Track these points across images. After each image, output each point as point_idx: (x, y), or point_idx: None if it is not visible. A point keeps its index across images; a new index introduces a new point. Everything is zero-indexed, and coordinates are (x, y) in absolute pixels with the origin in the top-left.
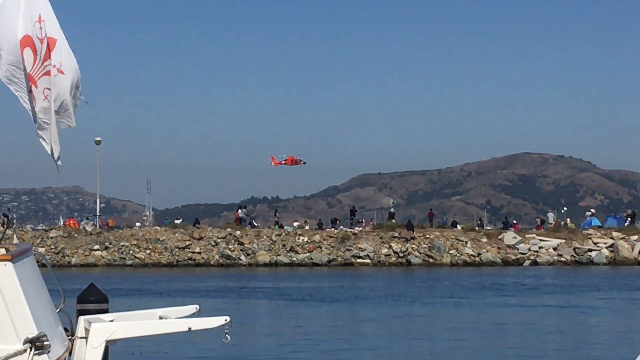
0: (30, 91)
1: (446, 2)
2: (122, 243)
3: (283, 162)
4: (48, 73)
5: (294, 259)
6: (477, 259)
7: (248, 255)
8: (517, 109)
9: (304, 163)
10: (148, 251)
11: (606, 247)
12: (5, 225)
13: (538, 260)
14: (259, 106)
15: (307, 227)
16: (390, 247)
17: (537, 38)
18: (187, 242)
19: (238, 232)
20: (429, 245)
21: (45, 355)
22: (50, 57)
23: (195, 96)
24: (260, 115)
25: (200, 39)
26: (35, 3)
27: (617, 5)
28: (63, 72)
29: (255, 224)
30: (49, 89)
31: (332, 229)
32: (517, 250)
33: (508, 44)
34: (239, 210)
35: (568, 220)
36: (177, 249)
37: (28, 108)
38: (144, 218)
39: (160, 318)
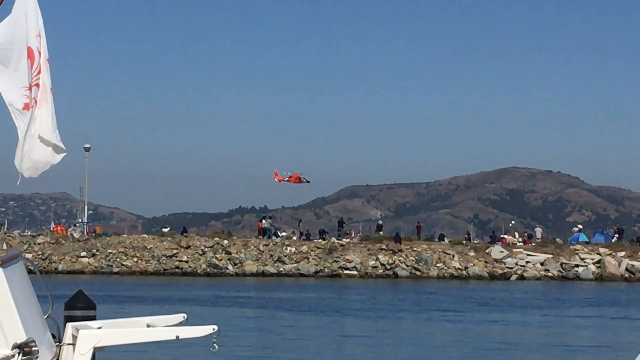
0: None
1: (437, 17)
2: (110, 250)
3: (287, 179)
4: (37, 85)
5: (281, 269)
6: (464, 272)
7: (235, 264)
8: (506, 123)
9: (308, 182)
10: (135, 259)
11: (593, 263)
12: None
13: (525, 274)
14: (247, 116)
15: (294, 238)
16: (377, 259)
17: (527, 53)
18: (175, 251)
19: (225, 242)
20: (416, 258)
21: None
22: (40, 72)
23: (185, 105)
24: (249, 125)
25: (190, 48)
26: (37, 19)
27: (606, 21)
28: (52, 89)
29: (279, 234)
30: (36, 100)
31: (320, 240)
32: (504, 264)
33: (498, 59)
34: (263, 221)
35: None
36: (164, 257)
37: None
38: (77, 225)
39: (148, 326)
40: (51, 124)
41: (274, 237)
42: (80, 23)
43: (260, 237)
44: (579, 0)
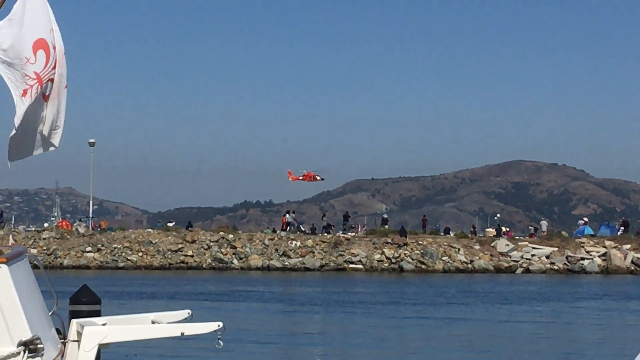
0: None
1: (440, 10)
2: (115, 245)
3: (301, 177)
4: (52, 80)
5: (287, 263)
6: (469, 265)
7: (240, 259)
8: (511, 117)
9: (323, 179)
10: (140, 254)
11: (599, 256)
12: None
13: (530, 268)
14: (252, 111)
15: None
16: (382, 252)
17: (532, 46)
18: (180, 245)
19: (231, 236)
20: (422, 251)
21: (39, 358)
22: (55, 67)
23: (190, 99)
24: (255, 120)
25: (196, 42)
26: (49, 14)
27: (610, 14)
28: (67, 87)
29: (303, 229)
30: (45, 95)
31: (325, 234)
32: (510, 257)
33: (503, 52)
34: (287, 215)
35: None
36: (169, 252)
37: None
38: (52, 219)
39: (153, 322)
40: (56, 119)
41: (297, 232)
42: (85, 17)
43: (284, 230)
44: None
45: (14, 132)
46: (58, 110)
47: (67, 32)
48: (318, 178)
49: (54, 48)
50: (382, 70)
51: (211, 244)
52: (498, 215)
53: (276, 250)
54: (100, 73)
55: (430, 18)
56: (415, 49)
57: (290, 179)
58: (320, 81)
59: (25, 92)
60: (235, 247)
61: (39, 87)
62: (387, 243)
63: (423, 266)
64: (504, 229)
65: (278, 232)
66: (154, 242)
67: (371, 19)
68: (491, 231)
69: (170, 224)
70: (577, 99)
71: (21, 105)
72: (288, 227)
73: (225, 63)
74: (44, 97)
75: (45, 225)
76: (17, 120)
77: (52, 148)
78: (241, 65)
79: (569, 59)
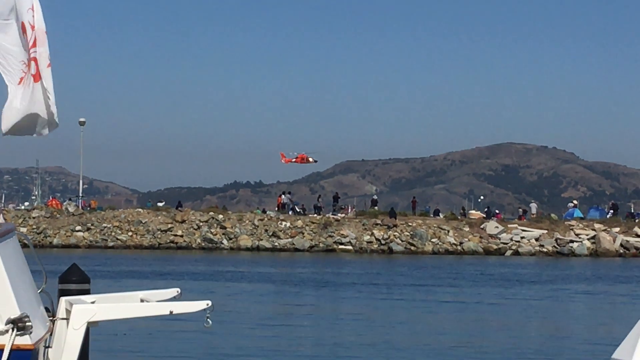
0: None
1: None
2: (105, 224)
3: (294, 160)
4: (35, 60)
5: (276, 244)
6: (459, 247)
7: (230, 239)
8: (501, 99)
9: (315, 162)
10: (130, 233)
11: (588, 239)
12: None
13: (520, 250)
14: (243, 92)
15: (290, 213)
16: (372, 234)
17: (522, 29)
18: (170, 225)
19: (220, 216)
20: (411, 233)
21: (27, 335)
22: (36, 45)
23: (181, 79)
24: (245, 100)
25: (186, 21)
26: None
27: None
28: (50, 66)
29: (298, 210)
30: (33, 75)
31: (315, 215)
32: (499, 240)
33: (493, 35)
34: (282, 196)
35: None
36: (159, 232)
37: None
38: (33, 198)
39: (142, 301)
40: (45, 99)
41: (291, 212)
42: None
43: (279, 211)
44: None
45: (16, 118)
46: (47, 89)
47: (55, 11)
48: (311, 160)
49: (32, 27)
50: (372, 51)
51: (201, 224)
52: (482, 197)
53: (266, 230)
54: (91, 52)
55: (420, 1)
56: (405, 31)
57: (283, 161)
58: (310, 62)
59: (21, 80)
60: (225, 228)
61: (28, 69)
62: (377, 224)
63: (412, 248)
64: (490, 212)
65: (275, 213)
66: (143, 221)
67: (359, 5)
68: (475, 213)
69: (160, 204)
70: (567, 82)
71: (16, 93)
72: (284, 208)
73: (216, 43)
74: (34, 77)
75: (26, 204)
76: (15, 113)
77: (53, 128)
78: (231, 46)
79: (558, 42)
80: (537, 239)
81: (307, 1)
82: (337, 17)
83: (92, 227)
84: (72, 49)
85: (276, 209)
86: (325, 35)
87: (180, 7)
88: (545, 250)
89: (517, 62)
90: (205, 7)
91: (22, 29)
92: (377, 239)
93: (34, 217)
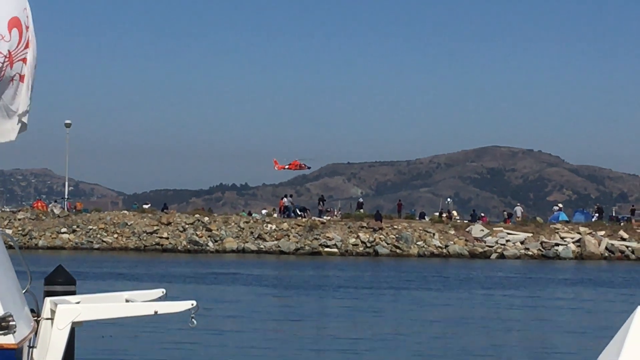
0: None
1: None
2: (90, 226)
3: (287, 166)
4: (24, 60)
5: (262, 246)
6: (444, 250)
7: (216, 241)
8: (487, 102)
9: (309, 168)
10: (116, 235)
11: (573, 242)
12: None
13: (505, 253)
14: (228, 93)
15: (275, 215)
16: (358, 237)
17: (508, 33)
18: (155, 227)
19: (206, 219)
20: (397, 236)
21: (11, 335)
22: (28, 47)
23: (167, 82)
24: (230, 102)
25: (173, 22)
26: None
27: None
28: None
29: (299, 213)
30: (21, 75)
31: (300, 218)
32: (485, 243)
33: (480, 37)
34: (284, 199)
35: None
36: (144, 234)
37: None
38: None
39: (127, 301)
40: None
41: (293, 215)
42: None
43: (282, 214)
44: None
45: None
46: (30, 91)
47: (42, 11)
48: (304, 166)
49: (27, 28)
50: (359, 55)
51: (186, 226)
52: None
53: (251, 233)
54: (76, 54)
55: (407, 4)
56: (391, 35)
57: (276, 168)
58: (295, 65)
59: None
60: (210, 230)
61: (9, 67)
62: (363, 227)
63: (398, 250)
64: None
65: (278, 215)
66: (129, 223)
67: (349, 5)
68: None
69: (145, 206)
70: (553, 85)
71: None
72: (286, 211)
73: (203, 45)
74: (20, 78)
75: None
76: None
77: (23, 131)
78: (216, 47)
79: (544, 46)
80: (522, 242)
81: (295, 6)
82: (323, 19)
83: (77, 229)
84: (57, 50)
85: (278, 211)
86: (311, 38)
87: (166, 9)
88: (530, 253)
89: (503, 65)
90: (192, 9)
91: (17, 25)
92: (362, 242)
93: (19, 219)
